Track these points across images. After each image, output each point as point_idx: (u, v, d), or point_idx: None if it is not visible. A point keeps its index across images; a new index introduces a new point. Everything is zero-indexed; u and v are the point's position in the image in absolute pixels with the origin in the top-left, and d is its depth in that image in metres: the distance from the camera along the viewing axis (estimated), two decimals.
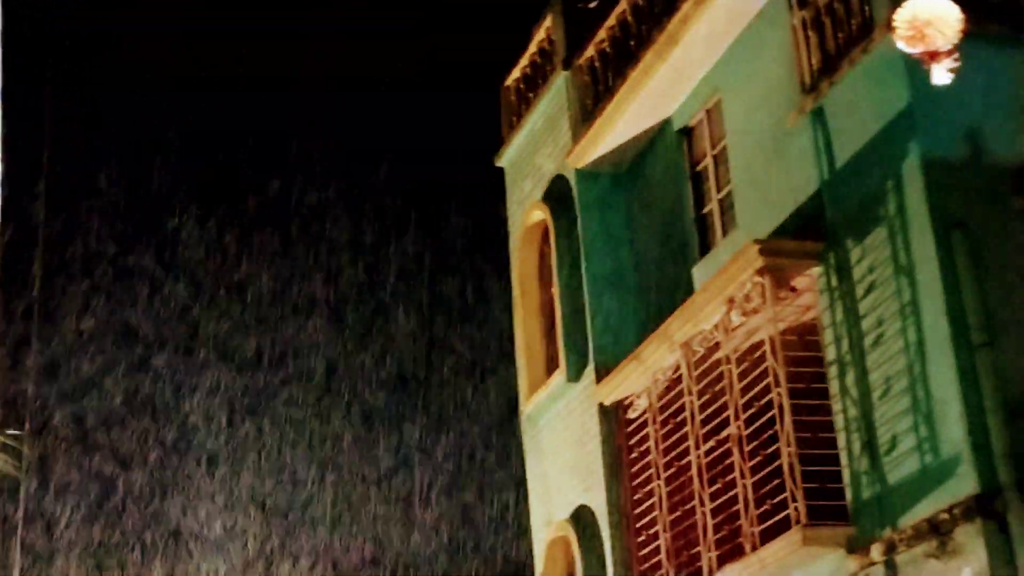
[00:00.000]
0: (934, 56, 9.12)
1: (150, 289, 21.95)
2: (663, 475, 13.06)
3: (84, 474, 19.72)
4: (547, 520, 15.18)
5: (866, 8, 11.17)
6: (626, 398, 13.83)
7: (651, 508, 13.24)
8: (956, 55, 9.12)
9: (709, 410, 12.40)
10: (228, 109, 23.18)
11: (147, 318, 21.66)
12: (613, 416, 14.05)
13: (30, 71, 20.94)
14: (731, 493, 11.95)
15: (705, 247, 13.77)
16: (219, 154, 23.17)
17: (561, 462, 15.02)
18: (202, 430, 21.57)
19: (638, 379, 13.49)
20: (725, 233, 13.42)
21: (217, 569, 21.05)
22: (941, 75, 9.16)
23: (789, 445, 11.14)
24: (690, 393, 12.66)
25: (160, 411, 21.37)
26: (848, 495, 10.99)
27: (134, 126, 22.74)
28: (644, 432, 13.48)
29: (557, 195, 15.42)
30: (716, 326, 12.23)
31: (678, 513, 12.81)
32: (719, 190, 13.64)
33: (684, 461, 12.76)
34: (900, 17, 9.18)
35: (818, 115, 11.72)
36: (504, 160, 16.99)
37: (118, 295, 21.72)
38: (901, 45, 9.24)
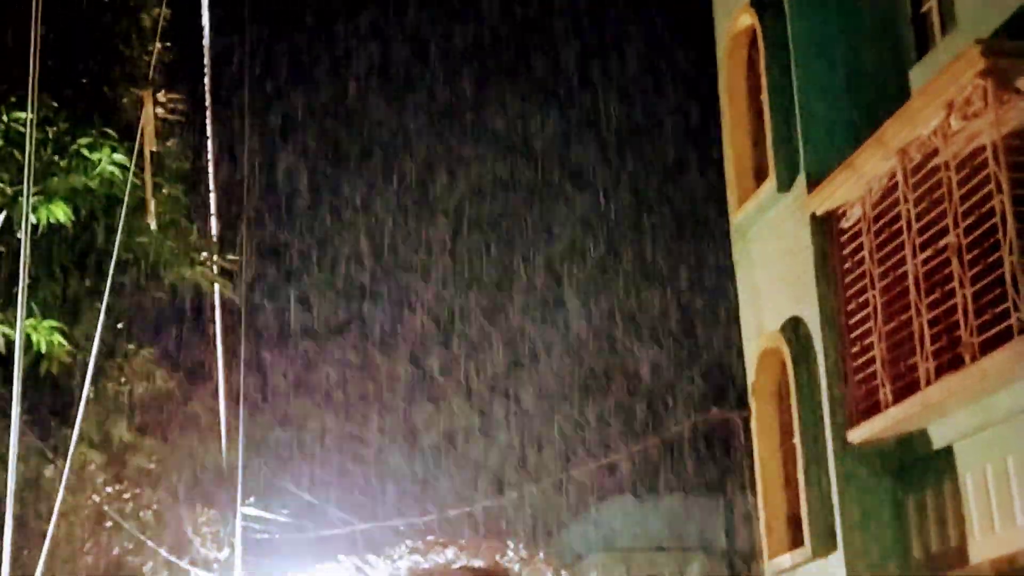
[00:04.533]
0: None
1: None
2: (878, 285, 12.78)
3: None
4: (758, 331, 15.07)
5: None
6: (839, 207, 13.50)
7: (865, 319, 13.00)
8: None
9: (926, 219, 12.02)
10: None
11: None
12: (825, 226, 13.75)
13: None
14: (950, 303, 11.64)
15: (923, 48, 13.21)
16: None
17: (772, 273, 14.83)
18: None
19: (852, 188, 13.14)
20: (944, 33, 12.83)
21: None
22: None
23: (1011, 253, 10.75)
24: (906, 201, 12.28)
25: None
26: None
27: None
28: (858, 242, 13.18)
29: None
30: (935, 131, 11.77)
31: (893, 324, 12.55)
32: None
33: (900, 271, 12.45)
34: None
35: None
36: None
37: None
38: None
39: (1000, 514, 11.56)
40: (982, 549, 11.74)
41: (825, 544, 13.36)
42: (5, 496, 9.25)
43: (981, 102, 11.14)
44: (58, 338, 11.62)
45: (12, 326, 10.78)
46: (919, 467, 12.91)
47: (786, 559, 14.23)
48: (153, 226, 12.83)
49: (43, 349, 11.59)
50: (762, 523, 14.90)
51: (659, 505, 28.78)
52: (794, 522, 14.26)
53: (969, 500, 12.03)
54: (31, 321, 11.44)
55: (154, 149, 11.76)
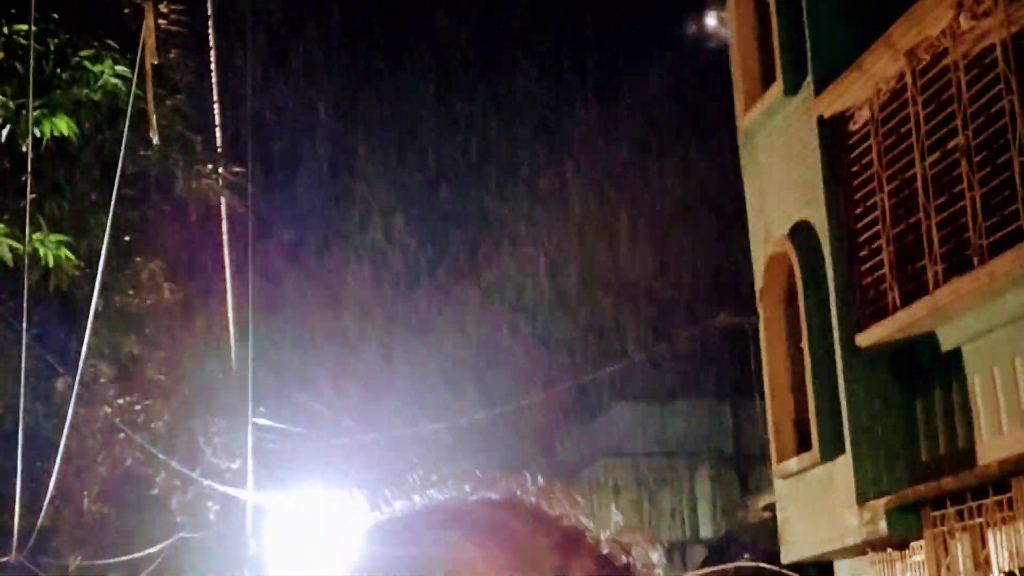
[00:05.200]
0: None
1: None
2: (886, 188, 12.72)
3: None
4: (765, 236, 15.04)
5: None
6: (847, 110, 13.40)
7: (873, 222, 12.95)
8: None
9: (935, 120, 11.92)
10: None
11: None
12: (833, 129, 13.66)
13: None
14: (958, 205, 11.57)
15: None
16: None
17: (779, 177, 14.76)
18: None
19: (859, 90, 13.02)
20: None
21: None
22: None
23: (1020, 155, 10.66)
24: (915, 103, 12.18)
25: None
26: None
27: None
28: (866, 145, 13.09)
29: None
30: (943, 32, 11.64)
31: (901, 227, 12.51)
32: None
33: (908, 173, 12.38)
34: None
35: None
36: None
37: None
38: None
39: (1008, 415, 11.59)
40: (990, 450, 11.79)
41: (832, 448, 13.43)
42: (17, 409, 9.31)
43: (991, 1, 11.00)
44: (65, 251, 11.60)
45: (19, 240, 10.76)
46: (927, 370, 12.94)
47: (793, 463, 14.32)
48: (156, 140, 12.76)
49: (51, 263, 11.58)
50: (770, 427, 14.98)
51: (667, 410, 28.92)
52: (802, 426, 14.33)
53: (977, 402, 12.06)
54: (38, 235, 11.43)
55: (155, 62, 11.66)
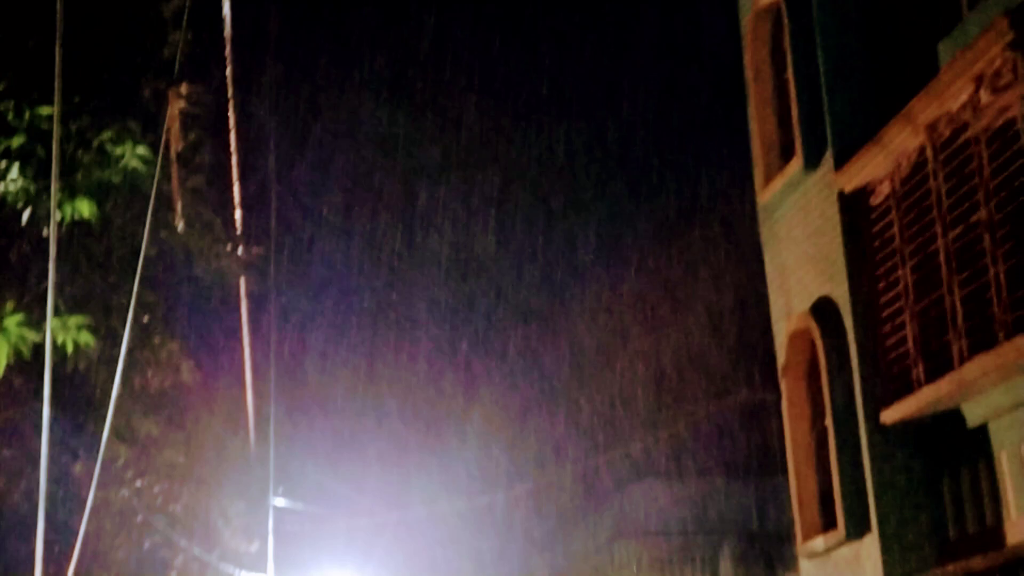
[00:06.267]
0: None
1: None
2: (908, 263, 12.65)
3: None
4: (787, 312, 14.95)
5: None
6: (867, 184, 13.36)
7: (896, 297, 12.87)
8: None
9: (957, 194, 11.88)
10: None
11: None
12: (853, 203, 13.61)
13: None
14: (982, 280, 11.50)
15: (950, 22, 13.03)
16: None
17: (800, 252, 14.70)
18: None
19: (880, 164, 13.00)
20: (972, 6, 12.65)
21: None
22: None
23: None
24: (936, 177, 12.14)
25: None
26: None
27: None
28: (887, 219, 13.04)
29: None
30: (964, 105, 11.63)
31: (925, 302, 12.42)
32: None
33: (931, 248, 12.31)
34: None
35: None
36: None
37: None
38: None
39: None
40: (1019, 529, 11.62)
41: (859, 526, 13.25)
42: (36, 492, 9.22)
43: (1011, 75, 10.99)
44: (86, 335, 11.58)
45: (38, 328, 10.75)
46: (953, 447, 12.78)
47: (819, 542, 14.12)
48: (181, 227, 12.79)
49: (69, 349, 11.55)
50: (794, 506, 14.79)
51: (689, 489, 28.68)
52: (827, 504, 14.15)
53: (1005, 480, 11.90)
54: (57, 320, 11.41)
55: (179, 148, 11.71)
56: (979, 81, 11.32)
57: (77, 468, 13.43)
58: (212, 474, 16.18)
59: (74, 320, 11.57)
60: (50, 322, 9.11)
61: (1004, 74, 11.07)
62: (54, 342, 11.15)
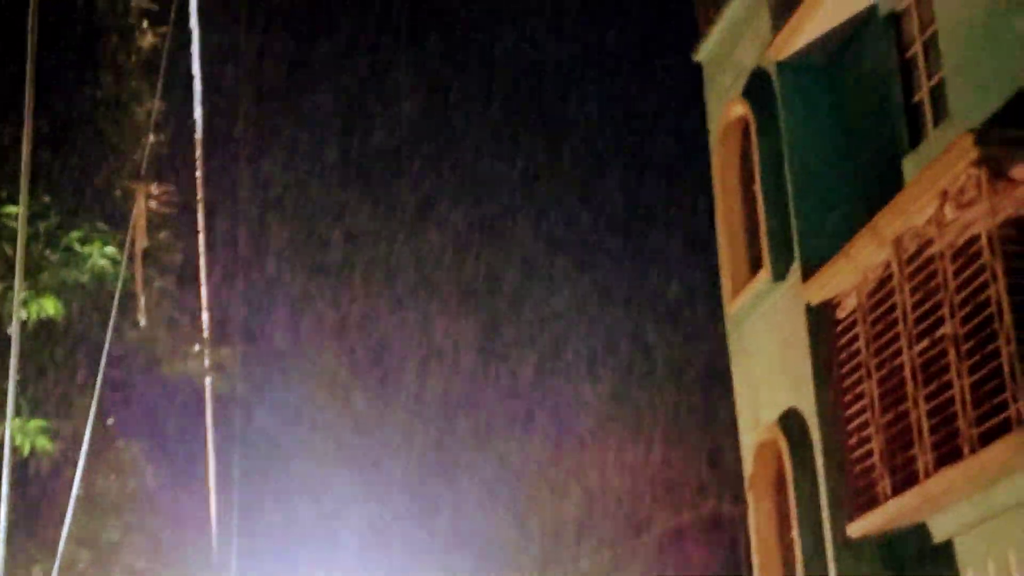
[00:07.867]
0: None
1: None
2: (874, 376, 12.67)
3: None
4: (755, 423, 14.94)
5: None
6: (834, 297, 13.43)
7: (862, 410, 12.88)
8: None
9: (922, 308, 11.95)
10: None
11: None
12: (821, 315, 13.67)
13: None
14: (947, 394, 11.52)
15: (915, 138, 13.22)
16: None
17: (768, 363, 14.72)
18: None
19: (847, 277, 13.08)
20: (936, 123, 12.85)
21: None
22: None
23: (1009, 344, 10.66)
24: (902, 291, 12.21)
25: None
26: None
27: None
28: (854, 332, 13.09)
29: (758, 89, 14.95)
30: (929, 221, 11.73)
31: (891, 415, 12.43)
32: (929, 78, 13.05)
33: (897, 361, 12.35)
34: None
35: None
36: (702, 55, 16.54)
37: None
38: None
39: None
40: None
41: None
42: None
43: (975, 191, 11.11)
44: (43, 440, 11.46)
45: None
46: (920, 562, 12.72)
47: None
48: (143, 323, 12.74)
49: (25, 452, 11.43)
50: None
51: None
52: None
53: None
54: (17, 421, 11.30)
55: (145, 245, 11.70)
56: (944, 197, 11.44)
57: (35, 571, 13.22)
58: None
59: (34, 424, 11.47)
60: (10, 423, 9.02)
61: (968, 190, 11.18)
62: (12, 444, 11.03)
